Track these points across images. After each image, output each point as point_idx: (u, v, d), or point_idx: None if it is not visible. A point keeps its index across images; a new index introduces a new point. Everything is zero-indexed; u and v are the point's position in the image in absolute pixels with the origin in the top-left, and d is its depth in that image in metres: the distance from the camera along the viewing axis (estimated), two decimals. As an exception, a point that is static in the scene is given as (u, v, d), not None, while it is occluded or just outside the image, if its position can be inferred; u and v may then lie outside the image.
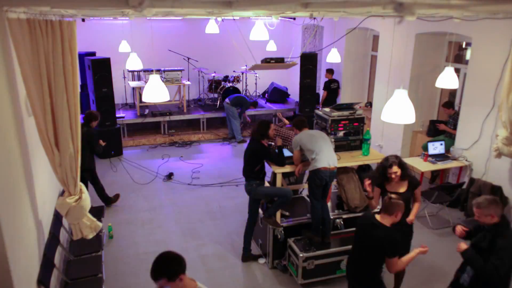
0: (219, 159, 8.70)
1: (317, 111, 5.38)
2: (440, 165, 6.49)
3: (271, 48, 10.21)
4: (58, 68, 3.43)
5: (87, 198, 4.02)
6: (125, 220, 6.11)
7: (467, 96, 6.55)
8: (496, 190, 5.80)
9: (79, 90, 3.71)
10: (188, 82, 10.66)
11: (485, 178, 6.17)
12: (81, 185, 3.94)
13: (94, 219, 4.15)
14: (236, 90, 10.50)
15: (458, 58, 7.52)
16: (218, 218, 6.21)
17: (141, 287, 4.66)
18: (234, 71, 11.19)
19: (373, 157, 5.08)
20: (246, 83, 11.28)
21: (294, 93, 11.26)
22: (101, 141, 6.28)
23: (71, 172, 3.72)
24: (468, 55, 7.01)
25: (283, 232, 4.83)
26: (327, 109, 5.26)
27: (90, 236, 4.09)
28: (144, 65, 8.79)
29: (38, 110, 3.46)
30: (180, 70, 10.17)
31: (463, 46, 7.37)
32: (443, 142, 6.75)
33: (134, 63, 7.98)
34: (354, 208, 5.03)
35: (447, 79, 5.27)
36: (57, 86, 3.46)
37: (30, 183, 3.84)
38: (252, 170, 4.85)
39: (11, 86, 3.46)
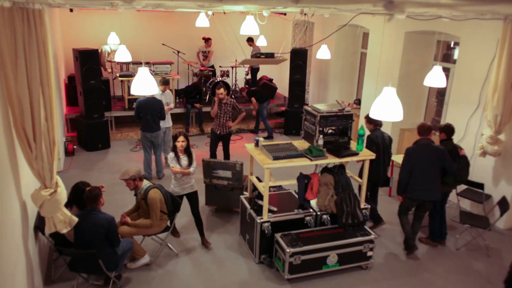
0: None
1: (306, 107, 5.39)
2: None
3: (262, 43, 10.19)
4: (33, 58, 3.37)
5: (63, 192, 3.93)
6: (111, 213, 6.04)
7: (454, 94, 6.64)
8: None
9: (53, 80, 3.64)
10: (178, 76, 10.58)
11: (468, 176, 6.27)
12: (57, 178, 3.87)
13: (69, 214, 4.07)
14: (225, 84, 10.44)
15: (446, 57, 7.60)
16: (205, 212, 6.20)
17: (128, 281, 4.63)
18: (220, 66, 11.12)
19: (362, 154, 5.10)
20: (235, 77, 11.24)
21: (284, 88, 11.27)
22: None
23: (48, 164, 3.66)
24: (456, 54, 7.10)
25: (270, 227, 4.85)
26: (317, 105, 5.27)
27: (64, 230, 4.01)
28: (133, 58, 8.69)
29: (16, 101, 3.40)
30: (170, 63, 10.09)
31: (451, 45, 7.46)
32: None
33: (123, 55, 7.89)
34: (321, 208, 5.10)
35: (435, 77, 5.33)
36: (32, 76, 3.41)
37: (16, 175, 3.79)
38: None
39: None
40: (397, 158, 6.84)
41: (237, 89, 11.20)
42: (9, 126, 3.64)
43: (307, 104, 11.02)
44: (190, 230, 5.69)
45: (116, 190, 6.83)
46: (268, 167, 4.74)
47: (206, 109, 10.26)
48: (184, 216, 6.06)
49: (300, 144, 5.27)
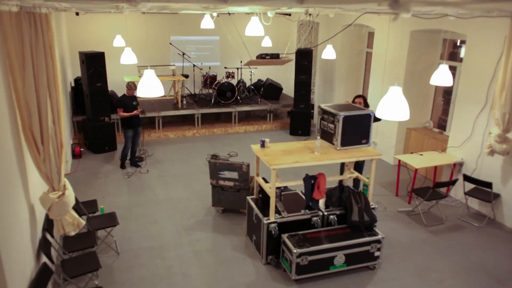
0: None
1: (323, 106, 5.32)
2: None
3: (267, 44, 10.19)
4: (40, 61, 3.41)
5: (71, 194, 3.96)
6: (119, 215, 6.08)
7: (461, 93, 6.59)
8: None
9: (60, 83, 3.68)
10: (183, 78, 10.62)
11: (476, 175, 6.23)
12: (65, 181, 3.89)
13: (77, 217, 4.10)
14: (231, 86, 10.48)
15: (452, 55, 7.56)
16: (211, 213, 6.21)
17: (134, 282, 4.65)
18: (225, 68, 11.14)
19: (368, 153, 5.09)
20: (242, 78, 11.25)
21: (290, 89, 11.25)
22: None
23: (56, 167, 3.69)
24: (462, 52, 7.05)
25: (277, 228, 4.85)
26: (326, 105, 5.24)
27: (72, 233, 4.06)
28: (139, 60, 8.73)
29: (23, 104, 3.43)
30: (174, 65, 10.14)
31: (458, 43, 7.41)
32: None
33: (129, 57, 7.92)
34: None
35: (442, 76, 5.29)
36: (40, 79, 3.44)
37: (24, 177, 3.82)
38: None
39: (6, 80, 3.43)
40: (403, 157, 6.81)
41: (240, 89, 11.23)
42: (17, 129, 3.68)
43: (313, 105, 11.02)
44: (196, 231, 5.70)
45: (124, 192, 6.87)
46: (275, 168, 4.74)
47: (211, 110, 10.31)
48: (191, 217, 6.08)
49: (306, 144, 5.25)
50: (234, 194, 6.02)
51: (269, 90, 11.31)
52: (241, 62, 10.77)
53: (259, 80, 11.82)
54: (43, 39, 3.40)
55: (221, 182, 6.02)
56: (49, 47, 3.46)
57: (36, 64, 3.40)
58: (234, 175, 5.90)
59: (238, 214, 6.15)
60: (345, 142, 5.08)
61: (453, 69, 7.00)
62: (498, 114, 5.55)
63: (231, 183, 5.98)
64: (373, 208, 5.19)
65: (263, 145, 5.15)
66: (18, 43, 3.29)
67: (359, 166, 6.11)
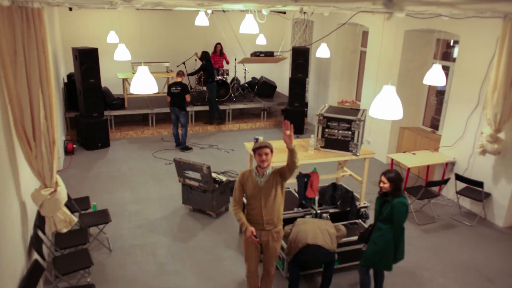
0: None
1: (326, 114, 5.07)
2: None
3: (261, 41, 10.19)
4: (33, 56, 3.37)
5: (63, 191, 3.93)
6: (111, 212, 6.05)
7: (453, 93, 6.64)
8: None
9: (53, 79, 3.65)
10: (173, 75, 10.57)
11: (468, 174, 6.29)
12: (57, 177, 3.86)
13: (69, 213, 4.07)
14: (225, 84, 10.46)
15: (446, 55, 7.60)
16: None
17: (128, 280, 4.64)
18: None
19: (362, 152, 5.11)
20: (236, 76, 11.23)
21: (284, 87, 11.25)
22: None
23: (48, 163, 3.66)
24: (455, 52, 7.09)
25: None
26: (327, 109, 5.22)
27: (64, 230, 4.03)
28: (132, 57, 8.68)
29: (15, 100, 3.39)
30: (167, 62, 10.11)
31: (451, 43, 7.45)
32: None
33: (122, 54, 7.87)
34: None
35: (435, 76, 5.33)
36: (32, 75, 3.41)
37: (16, 174, 3.79)
38: None
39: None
40: (396, 156, 6.85)
41: (235, 86, 11.21)
42: (8, 125, 3.64)
43: (307, 103, 11.03)
44: (188, 229, 5.70)
45: (116, 189, 6.84)
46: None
47: (205, 108, 10.26)
48: (184, 215, 6.06)
49: (299, 143, 5.25)
50: (200, 195, 5.93)
51: (263, 88, 11.30)
52: (235, 59, 10.75)
53: (253, 78, 11.80)
54: (36, 34, 3.36)
55: (187, 181, 5.97)
56: (41, 42, 3.42)
57: (28, 59, 3.37)
58: (197, 175, 5.80)
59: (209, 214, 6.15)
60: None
61: (446, 69, 7.05)
62: (490, 114, 5.60)
63: (196, 183, 5.90)
64: (365, 207, 5.22)
65: (256, 142, 5.14)
66: (10, 38, 3.26)
67: None
